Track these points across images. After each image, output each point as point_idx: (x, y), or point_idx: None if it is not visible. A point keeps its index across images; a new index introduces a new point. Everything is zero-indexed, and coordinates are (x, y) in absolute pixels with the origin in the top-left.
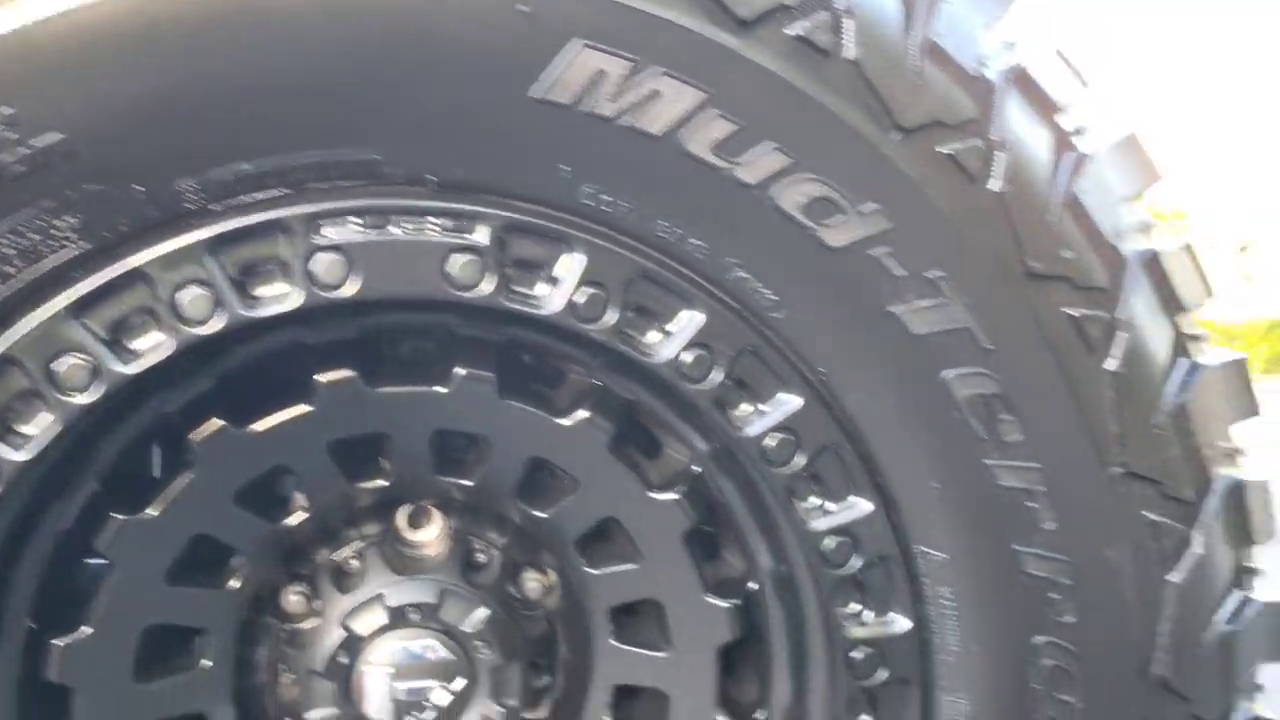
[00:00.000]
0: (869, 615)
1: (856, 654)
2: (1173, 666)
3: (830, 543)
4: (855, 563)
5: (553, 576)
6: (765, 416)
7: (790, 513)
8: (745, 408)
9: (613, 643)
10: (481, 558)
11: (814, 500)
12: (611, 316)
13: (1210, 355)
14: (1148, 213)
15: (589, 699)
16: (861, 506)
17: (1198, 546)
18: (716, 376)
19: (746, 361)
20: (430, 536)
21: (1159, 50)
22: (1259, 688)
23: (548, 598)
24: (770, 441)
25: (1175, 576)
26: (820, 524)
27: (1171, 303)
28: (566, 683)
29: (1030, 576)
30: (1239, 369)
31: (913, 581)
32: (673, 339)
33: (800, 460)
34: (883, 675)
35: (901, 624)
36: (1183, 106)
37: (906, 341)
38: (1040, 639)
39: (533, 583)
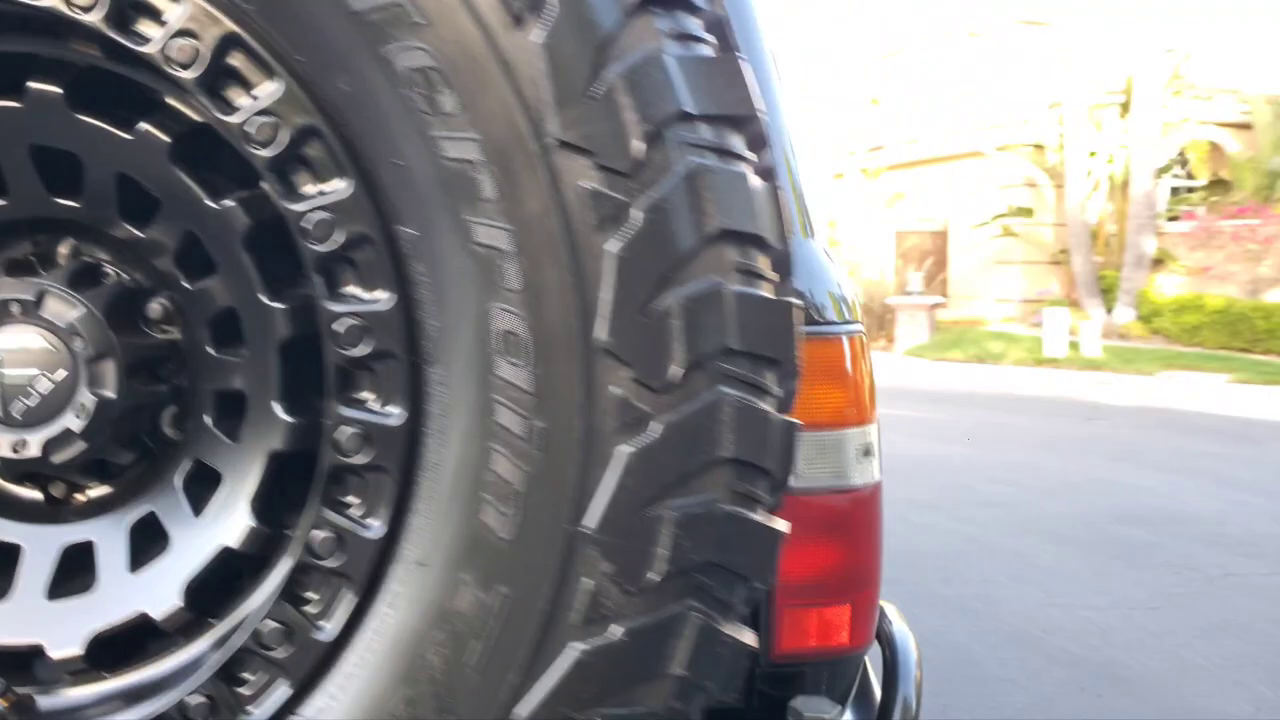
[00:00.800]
0: (363, 294)
1: (342, 329)
2: (613, 332)
3: (315, 218)
4: (338, 239)
5: (171, 294)
6: (254, 102)
7: (284, 197)
8: (241, 99)
9: (209, 350)
10: (107, 276)
11: (309, 188)
12: (102, 8)
13: (675, 47)
14: None
15: (198, 405)
16: (342, 187)
17: (637, 219)
18: (201, 65)
19: (232, 51)
20: (54, 254)
21: None
22: (751, 381)
23: (167, 315)
24: (251, 126)
25: (612, 246)
26: (306, 205)
27: None
28: (181, 391)
29: (480, 245)
30: (722, 67)
31: (393, 258)
32: (164, 28)
33: (284, 140)
34: (368, 348)
35: (387, 300)
36: None
37: (352, 19)
38: (493, 306)
39: (155, 304)
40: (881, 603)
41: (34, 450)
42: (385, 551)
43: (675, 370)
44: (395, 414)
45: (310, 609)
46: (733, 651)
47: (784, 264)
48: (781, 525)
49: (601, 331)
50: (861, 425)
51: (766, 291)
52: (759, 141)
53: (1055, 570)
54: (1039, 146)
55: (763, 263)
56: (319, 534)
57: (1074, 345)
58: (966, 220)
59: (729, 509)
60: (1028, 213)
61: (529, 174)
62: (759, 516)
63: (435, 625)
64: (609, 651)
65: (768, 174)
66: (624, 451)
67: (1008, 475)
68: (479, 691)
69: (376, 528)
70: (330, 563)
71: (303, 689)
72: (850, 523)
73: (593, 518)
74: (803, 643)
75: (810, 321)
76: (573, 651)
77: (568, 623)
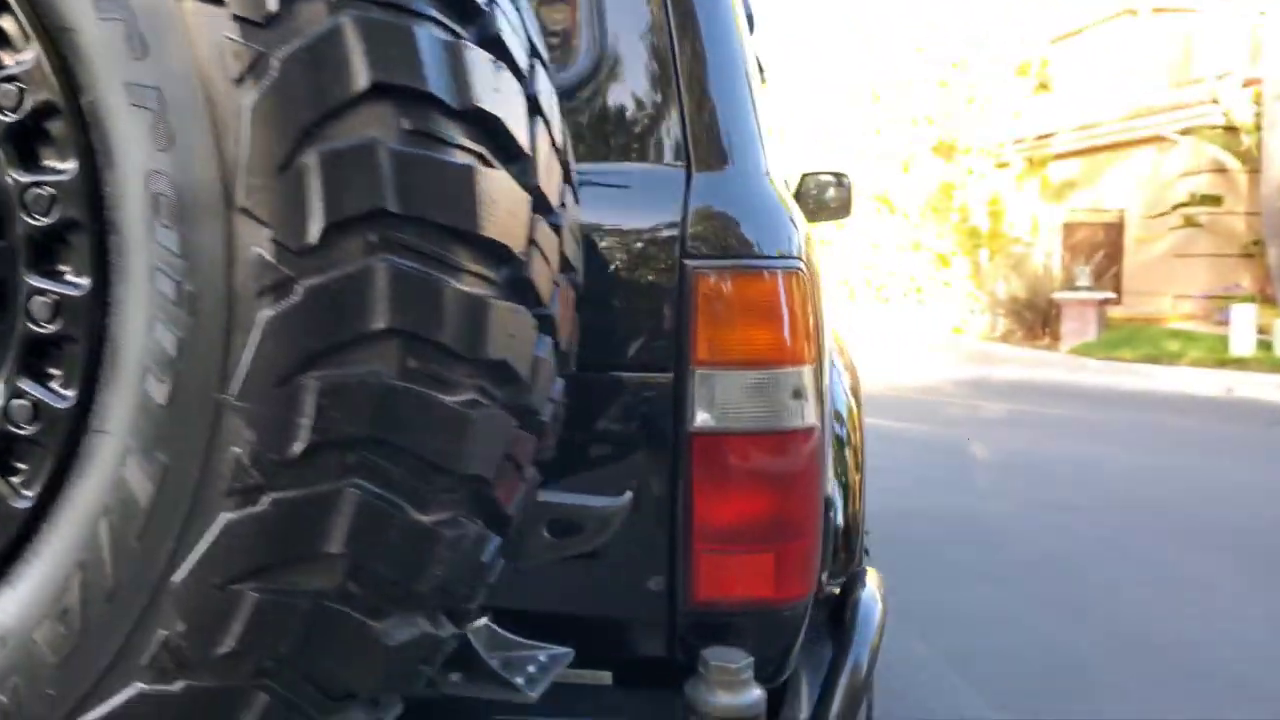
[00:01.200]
0: (51, 163)
1: (31, 198)
2: (249, 190)
3: (3, 89)
4: (27, 107)
5: None
6: None
7: None
8: None
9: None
10: None
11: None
12: None
13: None
14: None
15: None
16: (29, 57)
17: (274, 72)
18: None
19: None
20: None
21: None
22: (423, 250)
23: None
24: None
25: (247, 100)
26: None
27: None
28: None
29: (138, 107)
30: None
31: (78, 127)
32: None
33: None
34: (56, 218)
35: (71, 169)
36: None
37: None
38: (149, 169)
39: None
40: (868, 568)
41: None
42: (78, 421)
43: (315, 230)
44: (82, 283)
45: (17, 479)
46: (413, 538)
47: (496, 135)
48: (481, 413)
49: (238, 189)
50: (795, 366)
51: (455, 157)
52: (460, 4)
53: (1197, 579)
54: (1230, 129)
55: (450, 126)
56: (17, 403)
57: (1264, 345)
58: (1144, 210)
59: (394, 384)
60: (1215, 201)
61: (169, 30)
62: (442, 397)
63: (109, 493)
64: (257, 522)
65: (489, 45)
66: (264, 316)
67: (1163, 478)
68: (139, 558)
69: (68, 397)
70: (28, 431)
71: (8, 557)
72: (777, 468)
73: (234, 384)
74: (722, 591)
75: (738, 255)
76: (220, 521)
77: (217, 491)
